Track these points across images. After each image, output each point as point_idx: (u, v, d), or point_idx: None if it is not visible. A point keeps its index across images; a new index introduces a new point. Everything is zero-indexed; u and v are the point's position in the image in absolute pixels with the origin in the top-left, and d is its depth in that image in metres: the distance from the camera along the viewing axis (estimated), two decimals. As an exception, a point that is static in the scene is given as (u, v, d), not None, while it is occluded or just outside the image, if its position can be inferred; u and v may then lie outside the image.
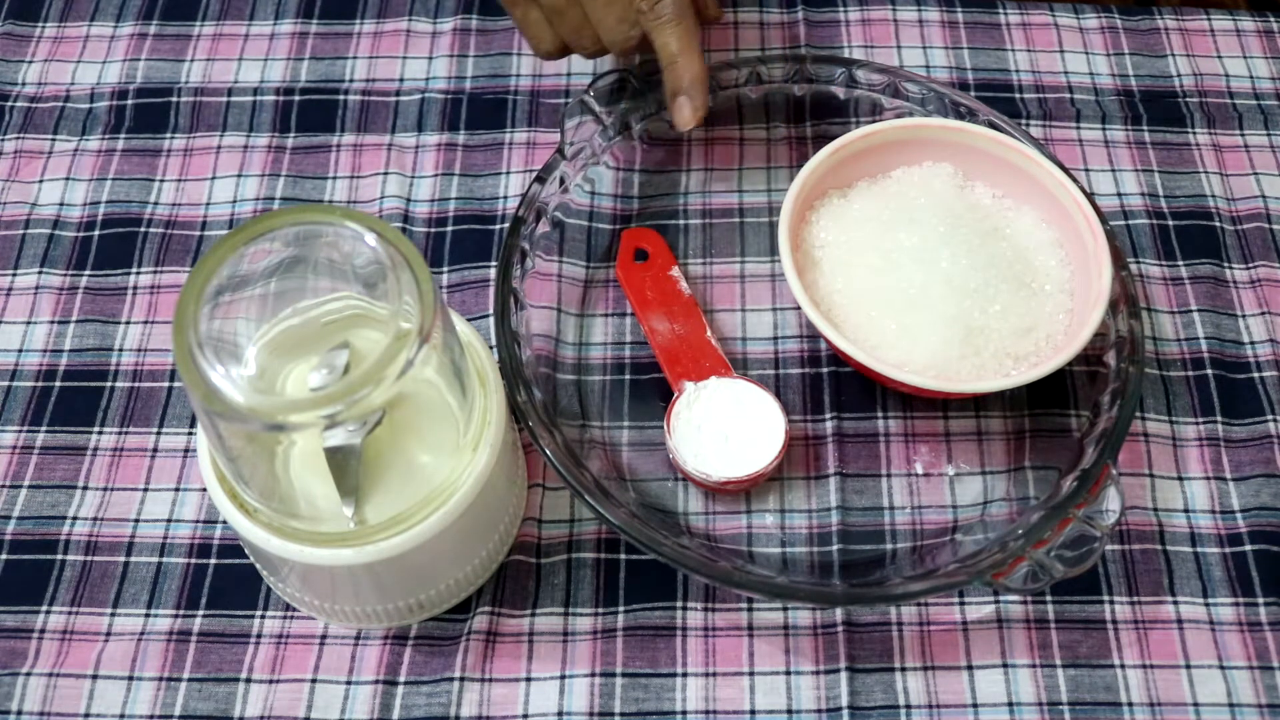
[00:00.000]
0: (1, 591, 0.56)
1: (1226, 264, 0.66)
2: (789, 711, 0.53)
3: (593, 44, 0.61)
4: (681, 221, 0.67)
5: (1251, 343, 0.63)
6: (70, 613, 0.56)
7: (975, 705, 0.53)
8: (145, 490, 0.59)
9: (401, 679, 0.54)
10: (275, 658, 0.55)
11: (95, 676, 0.54)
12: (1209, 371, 0.62)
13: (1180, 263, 0.66)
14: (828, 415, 0.61)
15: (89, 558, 0.57)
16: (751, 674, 0.54)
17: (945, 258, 0.58)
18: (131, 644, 0.55)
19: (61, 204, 0.68)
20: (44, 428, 0.61)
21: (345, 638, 0.55)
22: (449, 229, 0.67)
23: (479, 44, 0.74)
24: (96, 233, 0.67)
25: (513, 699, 0.54)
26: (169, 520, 0.58)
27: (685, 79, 0.60)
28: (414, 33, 0.75)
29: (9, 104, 0.72)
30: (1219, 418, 0.61)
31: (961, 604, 0.56)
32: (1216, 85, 0.73)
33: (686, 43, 0.59)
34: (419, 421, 0.49)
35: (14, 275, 0.66)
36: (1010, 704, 0.53)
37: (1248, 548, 0.57)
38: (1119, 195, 0.68)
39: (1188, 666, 0.54)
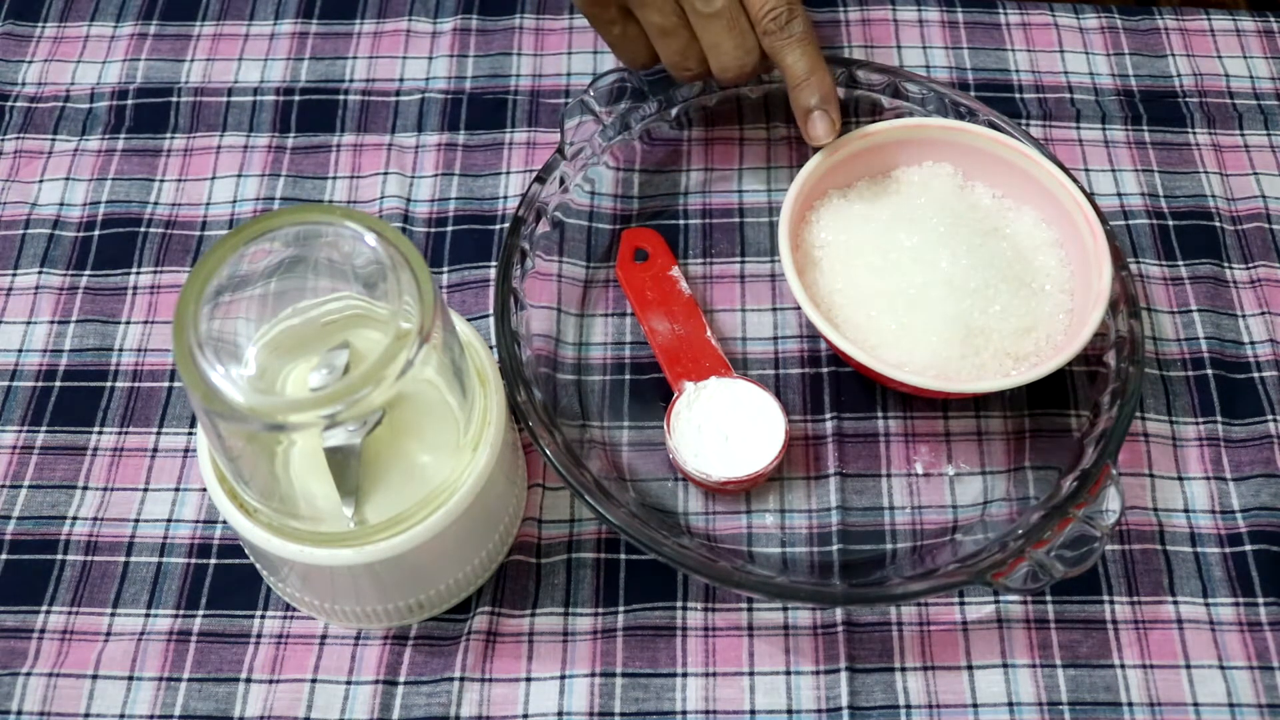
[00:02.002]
0: (1, 591, 0.56)
1: (1226, 264, 0.66)
2: (789, 711, 0.53)
3: (698, 67, 0.60)
4: (681, 221, 0.67)
5: (1251, 343, 0.63)
6: (70, 613, 0.56)
7: (975, 705, 0.53)
8: (145, 490, 0.59)
9: (401, 679, 0.54)
10: (275, 658, 0.55)
11: (95, 676, 0.54)
12: (1209, 371, 0.62)
13: (1180, 263, 0.66)
14: (828, 415, 0.61)
15: (89, 558, 0.57)
16: (751, 674, 0.54)
17: (945, 258, 0.58)
18: (131, 644, 0.55)
19: (61, 204, 0.68)
20: (44, 428, 0.61)
21: (345, 638, 0.55)
22: (449, 229, 0.67)
23: (479, 44, 0.74)
24: (96, 233, 0.67)
25: (513, 699, 0.54)
26: (169, 520, 0.58)
27: (819, 95, 0.58)
28: (414, 33, 0.75)
29: (9, 104, 0.72)
30: (1219, 418, 0.61)
31: (961, 604, 0.56)
32: (1216, 85, 0.73)
33: (816, 61, 0.58)
34: (419, 421, 0.49)
35: (14, 275, 0.66)
36: (1010, 704, 0.53)
37: (1248, 548, 0.57)
38: (1119, 195, 0.68)
39: (1188, 666, 0.54)
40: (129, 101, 0.72)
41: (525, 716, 0.53)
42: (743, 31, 0.58)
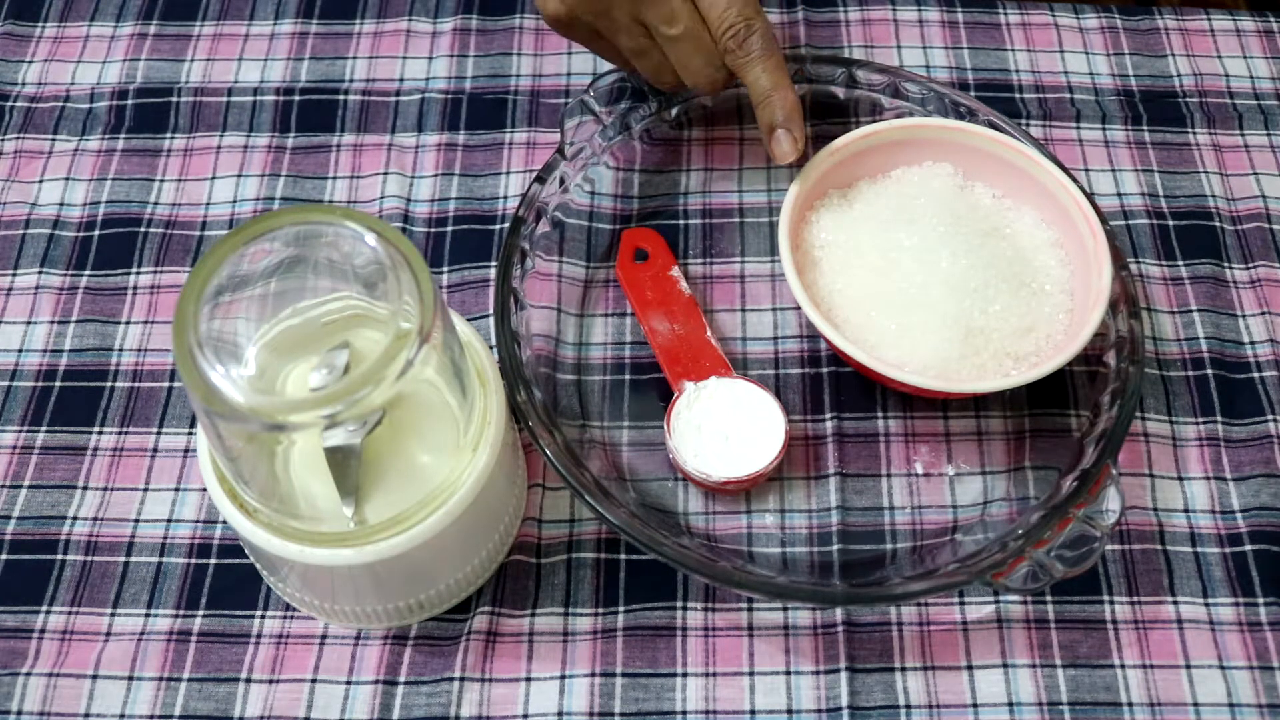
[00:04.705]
0: (1, 591, 0.56)
1: (1226, 264, 0.66)
2: (789, 711, 0.53)
3: (675, 79, 0.61)
4: (681, 221, 0.67)
5: (1251, 343, 0.63)
6: (70, 613, 0.56)
7: (975, 705, 0.53)
8: (145, 490, 0.59)
9: (401, 679, 0.54)
10: (275, 658, 0.55)
11: (95, 676, 0.54)
12: (1209, 371, 0.62)
13: (1180, 263, 0.66)
14: (828, 415, 0.61)
15: (89, 558, 0.57)
16: (751, 674, 0.54)
17: (945, 258, 0.58)
18: (131, 644, 0.55)
19: (61, 204, 0.68)
20: (44, 428, 0.61)
21: (345, 638, 0.55)
22: (449, 229, 0.67)
23: (479, 44, 0.74)
24: (96, 233, 0.67)
25: (513, 699, 0.54)
26: (169, 520, 0.58)
27: (781, 113, 0.59)
28: (414, 33, 0.75)
29: (9, 104, 0.72)
30: (1219, 418, 0.61)
31: (961, 604, 0.56)
32: (1216, 85, 0.73)
33: (778, 77, 0.58)
34: (419, 421, 0.49)
35: (14, 275, 0.66)
36: (1010, 704, 0.53)
37: (1248, 548, 0.57)
38: (1119, 195, 0.68)
39: (1188, 666, 0.54)
40: (129, 101, 0.72)
41: (525, 716, 0.53)
42: (708, 49, 0.58)
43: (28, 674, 0.54)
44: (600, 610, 0.56)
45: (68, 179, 0.69)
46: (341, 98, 0.72)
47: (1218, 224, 0.67)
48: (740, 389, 0.59)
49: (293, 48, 0.74)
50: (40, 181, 0.69)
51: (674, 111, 0.66)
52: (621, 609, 0.56)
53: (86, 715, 0.53)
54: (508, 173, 0.69)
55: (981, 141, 0.61)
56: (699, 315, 0.62)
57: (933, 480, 0.59)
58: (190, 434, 0.61)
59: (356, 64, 0.74)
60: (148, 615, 0.56)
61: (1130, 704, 0.53)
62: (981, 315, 0.57)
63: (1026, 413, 0.61)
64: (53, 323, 0.64)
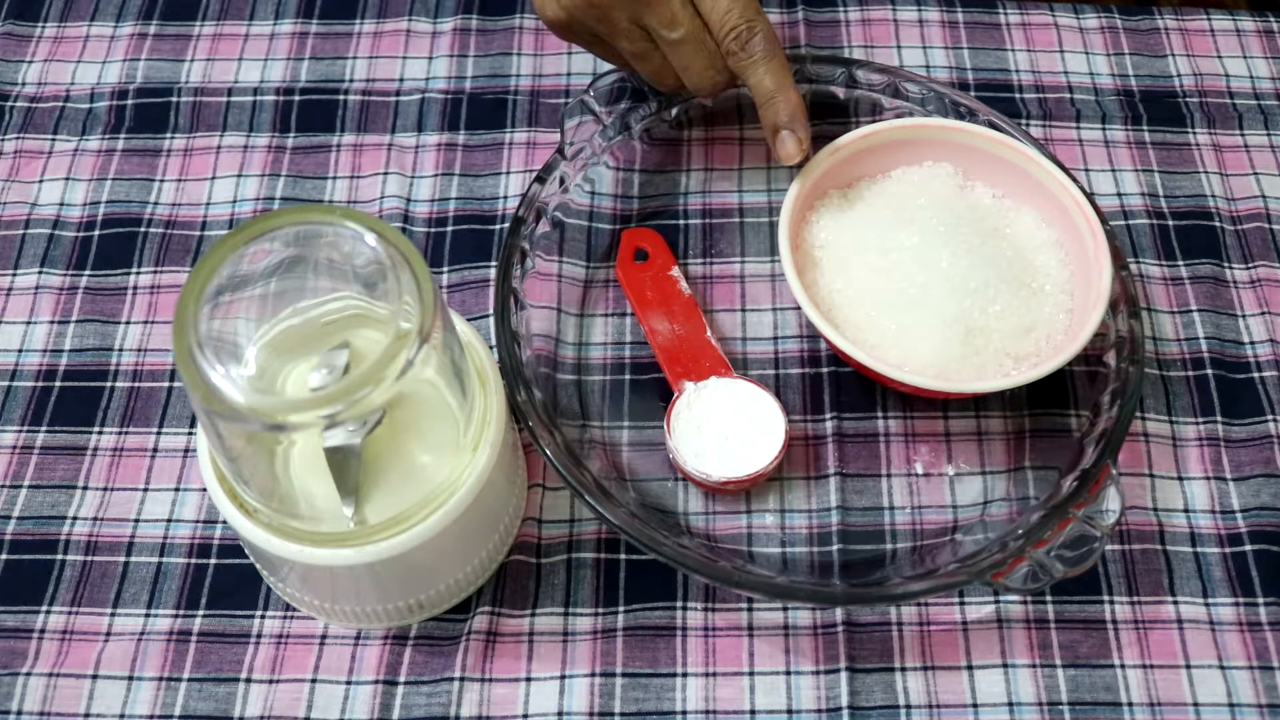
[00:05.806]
0: (1, 591, 0.56)
1: (1226, 264, 0.66)
2: (789, 711, 0.53)
3: (675, 82, 0.61)
4: (681, 221, 0.67)
5: (1251, 343, 0.63)
6: (70, 613, 0.56)
7: (975, 705, 0.53)
8: (145, 490, 0.59)
9: (401, 679, 0.54)
10: (275, 658, 0.55)
11: (95, 676, 0.54)
12: (1209, 371, 0.62)
13: (1180, 263, 0.66)
14: (828, 415, 0.61)
15: (89, 558, 0.57)
16: (751, 674, 0.54)
17: (945, 258, 0.58)
18: (131, 644, 0.55)
19: (61, 204, 0.68)
20: (44, 428, 0.61)
21: (345, 638, 0.55)
22: (449, 229, 0.67)
23: (479, 44, 0.74)
24: (96, 233, 0.67)
25: (513, 699, 0.54)
26: (169, 520, 0.58)
27: (785, 114, 0.59)
28: (414, 33, 0.75)
29: (9, 104, 0.72)
30: (1219, 418, 0.61)
31: (961, 604, 0.56)
32: (1216, 85, 0.73)
33: (782, 77, 0.58)
34: (419, 421, 0.49)
35: (14, 275, 0.66)
36: (1010, 704, 0.53)
37: (1248, 548, 0.57)
38: (1119, 195, 0.68)
39: (1188, 666, 0.54)
40: (129, 101, 0.72)
41: (525, 716, 0.53)
42: (710, 52, 0.58)
43: (28, 674, 0.54)
44: (600, 610, 0.56)
45: (68, 179, 0.69)
46: (341, 98, 0.72)
47: (1218, 224, 0.67)
48: (740, 389, 0.59)
49: (293, 48, 0.74)
50: (40, 181, 0.69)
51: (674, 111, 0.66)
52: (621, 609, 0.56)
53: (86, 715, 0.53)
54: (508, 173, 0.69)
55: (981, 141, 0.61)
56: (699, 315, 0.62)
57: (933, 480, 0.59)
58: (190, 434, 0.61)
59: (356, 64, 0.74)
60: (148, 615, 0.56)
61: (1130, 704, 0.53)
62: (981, 315, 0.57)
63: (1026, 413, 0.61)
64: (53, 323, 0.64)
